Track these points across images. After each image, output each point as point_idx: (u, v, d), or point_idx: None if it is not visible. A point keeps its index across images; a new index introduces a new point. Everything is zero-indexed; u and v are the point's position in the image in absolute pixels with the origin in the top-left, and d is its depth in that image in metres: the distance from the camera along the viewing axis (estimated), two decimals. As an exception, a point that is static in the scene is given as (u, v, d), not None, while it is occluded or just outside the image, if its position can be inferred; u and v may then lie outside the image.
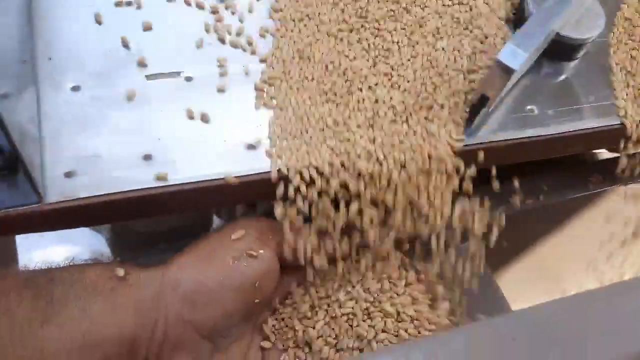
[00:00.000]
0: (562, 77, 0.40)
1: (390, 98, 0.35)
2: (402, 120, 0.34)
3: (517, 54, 0.31)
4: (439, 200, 0.35)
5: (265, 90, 0.35)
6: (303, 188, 0.32)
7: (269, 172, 0.33)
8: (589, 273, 0.54)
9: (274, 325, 0.37)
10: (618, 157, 0.49)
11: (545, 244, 0.53)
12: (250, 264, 0.33)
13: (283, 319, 0.37)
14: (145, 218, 0.36)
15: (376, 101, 0.35)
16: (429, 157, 0.33)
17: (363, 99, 0.35)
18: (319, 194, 0.33)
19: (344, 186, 0.33)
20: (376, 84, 0.36)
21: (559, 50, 0.39)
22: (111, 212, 0.32)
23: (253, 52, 0.37)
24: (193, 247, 0.34)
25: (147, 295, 0.31)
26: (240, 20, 0.38)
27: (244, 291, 0.33)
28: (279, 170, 0.32)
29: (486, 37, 0.39)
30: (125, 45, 0.35)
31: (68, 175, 0.31)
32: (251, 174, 0.33)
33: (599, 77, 0.40)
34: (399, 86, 0.36)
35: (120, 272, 0.31)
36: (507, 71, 0.32)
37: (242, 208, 0.49)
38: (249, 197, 0.36)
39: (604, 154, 0.56)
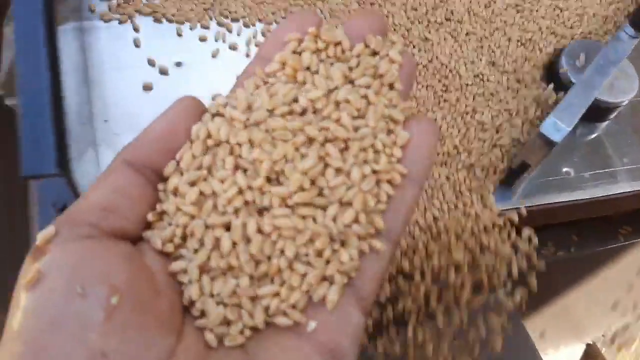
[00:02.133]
0: (594, 135, 0.41)
1: None
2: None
3: (559, 128, 0.32)
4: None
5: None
6: None
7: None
8: (614, 322, 0.55)
9: None
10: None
11: (573, 292, 0.54)
12: None
13: None
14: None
15: None
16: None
17: None
18: None
19: None
20: None
21: (594, 112, 0.40)
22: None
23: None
24: None
25: None
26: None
27: None
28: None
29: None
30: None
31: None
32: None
33: (632, 137, 0.41)
34: None
35: None
36: (549, 144, 0.33)
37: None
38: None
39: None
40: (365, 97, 0.21)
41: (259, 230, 0.19)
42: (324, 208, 0.19)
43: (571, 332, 0.59)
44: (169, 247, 0.19)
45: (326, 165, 0.19)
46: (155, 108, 0.36)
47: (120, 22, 0.38)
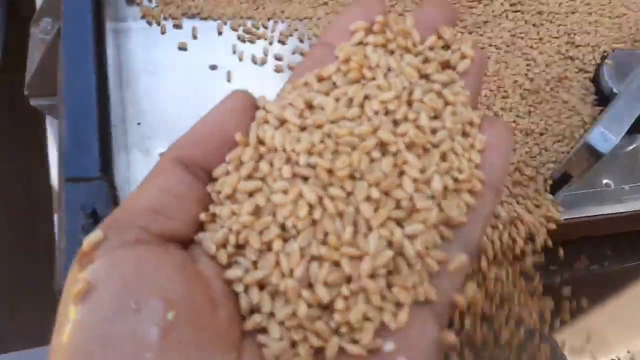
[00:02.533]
0: (633, 146, 0.40)
1: None
2: None
3: (607, 138, 0.31)
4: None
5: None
6: None
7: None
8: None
9: None
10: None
11: (601, 307, 0.52)
12: None
13: None
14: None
15: None
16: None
17: None
18: None
19: None
20: None
21: (635, 123, 0.39)
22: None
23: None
24: None
25: None
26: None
27: None
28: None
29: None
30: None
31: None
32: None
33: (672, 149, 0.40)
34: None
35: None
36: (596, 155, 0.32)
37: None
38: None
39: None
40: (440, 94, 0.19)
41: (329, 259, 0.17)
42: (400, 222, 0.17)
43: (596, 347, 0.58)
44: (223, 257, 0.18)
45: (401, 173, 0.18)
46: (189, 111, 0.36)
47: (156, 24, 0.37)
